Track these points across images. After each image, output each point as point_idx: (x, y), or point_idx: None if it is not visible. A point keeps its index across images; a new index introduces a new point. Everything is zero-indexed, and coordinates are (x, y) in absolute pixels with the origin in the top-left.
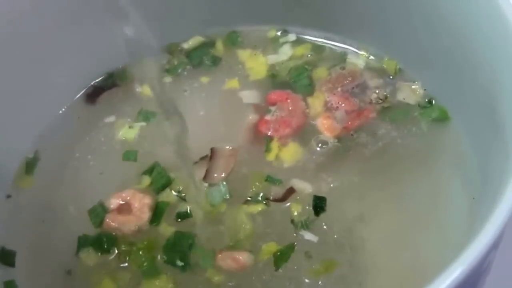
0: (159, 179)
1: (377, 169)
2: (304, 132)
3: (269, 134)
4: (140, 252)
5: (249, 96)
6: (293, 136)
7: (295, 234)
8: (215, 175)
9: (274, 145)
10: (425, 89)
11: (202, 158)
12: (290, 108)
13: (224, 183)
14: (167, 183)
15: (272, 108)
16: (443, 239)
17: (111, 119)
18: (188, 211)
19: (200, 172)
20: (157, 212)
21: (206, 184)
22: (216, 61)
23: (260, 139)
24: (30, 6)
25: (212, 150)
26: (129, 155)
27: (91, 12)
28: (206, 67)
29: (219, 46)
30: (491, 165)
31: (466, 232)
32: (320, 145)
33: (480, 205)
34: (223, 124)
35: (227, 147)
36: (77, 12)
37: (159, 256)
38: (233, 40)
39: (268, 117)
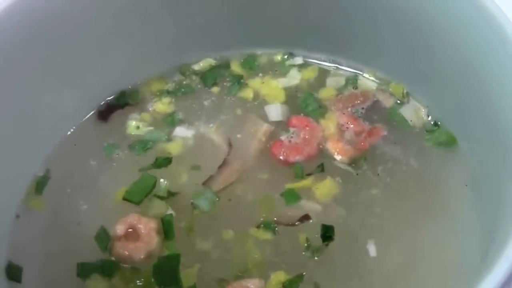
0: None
1: (387, 198)
2: (317, 158)
3: (280, 158)
4: (139, 284)
5: (274, 113)
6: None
7: (303, 263)
8: (217, 182)
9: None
10: (429, 116)
11: None
12: (306, 137)
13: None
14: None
15: (291, 130)
16: (453, 271)
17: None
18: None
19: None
20: (166, 229)
21: None
22: (238, 79)
23: (271, 161)
24: (42, 26)
25: (224, 160)
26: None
27: (105, 32)
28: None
29: (235, 68)
30: (501, 188)
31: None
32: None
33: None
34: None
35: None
36: (90, 32)
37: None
38: (250, 64)
39: (283, 138)
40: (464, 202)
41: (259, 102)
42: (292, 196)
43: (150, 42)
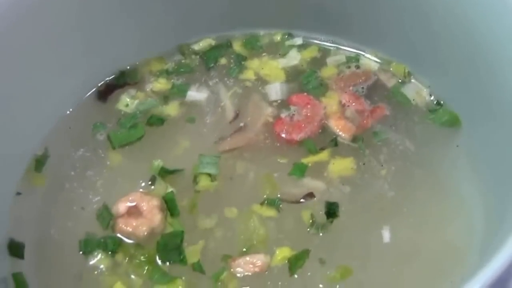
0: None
1: (391, 177)
2: (320, 135)
3: (282, 135)
4: (142, 260)
5: (273, 92)
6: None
7: (308, 240)
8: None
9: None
10: (431, 96)
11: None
12: (308, 114)
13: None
14: None
15: (292, 108)
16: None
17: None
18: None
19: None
20: (170, 206)
21: None
22: (240, 59)
23: (273, 140)
24: (41, 6)
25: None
26: None
27: (105, 11)
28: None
29: (238, 48)
30: (505, 167)
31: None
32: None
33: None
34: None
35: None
36: (91, 11)
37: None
38: (252, 44)
39: (283, 116)
40: (467, 181)
41: (260, 82)
42: (300, 169)
43: (150, 22)
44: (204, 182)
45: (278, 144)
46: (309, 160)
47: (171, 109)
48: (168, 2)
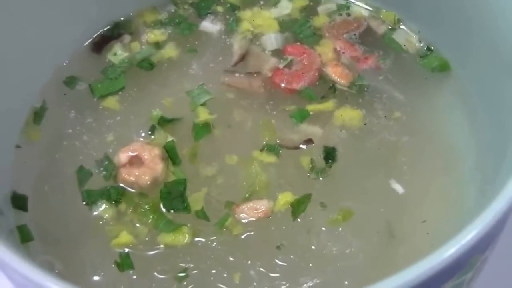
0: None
1: (386, 124)
2: (319, 83)
3: (282, 86)
4: (146, 209)
5: (269, 42)
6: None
7: (308, 185)
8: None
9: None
10: (421, 42)
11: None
12: (305, 63)
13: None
14: None
15: (287, 57)
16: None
17: None
18: None
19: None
20: (172, 155)
21: None
22: (233, 9)
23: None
24: None
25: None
26: None
27: None
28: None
29: None
30: (497, 108)
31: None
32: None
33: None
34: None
35: None
36: None
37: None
38: None
39: (281, 66)
40: (460, 126)
41: (254, 33)
42: (301, 115)
43: None
44: (203, 115)
45: (276, 93)
46: (313, 108)
47: (169, 52)
48: None
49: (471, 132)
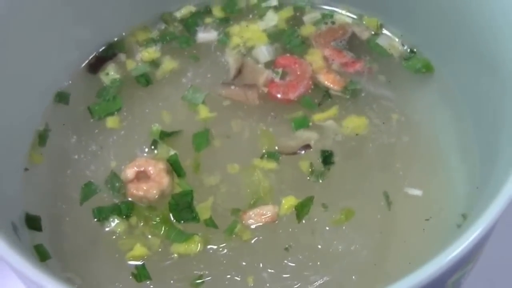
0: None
1: (378, 125)
2: (313, 91)
3: (278, 96)
4: (157, 221)
5: (261, 54)
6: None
7: (309, 188)
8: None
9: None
10: (404, 45)
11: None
12: (298, 73)
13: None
14: None
15: (279, 71)
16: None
17: None
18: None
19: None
20: (176, 167)
21: None
22: (223, 23)
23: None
24: None
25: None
26: None
27: None
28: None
29: (217, 12)
30: (481, 107)
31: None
32: None
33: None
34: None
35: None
36: None
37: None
38: (231, 8)
39: (276, 79)
40: (446, 125)
41: (246, 46)
42: (301, 123)
43: None
44: (203, 112)
45: (272, 104)
46: (319, 117)
47: (167, 66)
48: None
49: (456, 130)
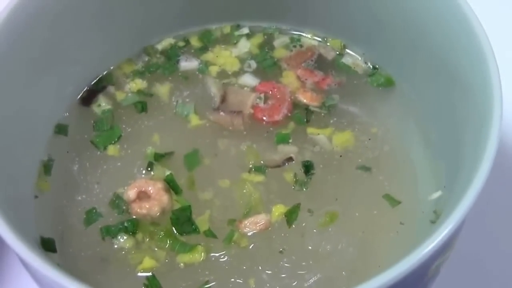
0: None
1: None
2: (295, 111)
3: (264, 118)
4: (162, 235)
5: (248, 80)
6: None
7: (295, 196)
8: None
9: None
10: (367, 63)
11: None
12: (278, 96)
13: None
14: None
15: (261, 96)
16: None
17: None
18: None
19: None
20: (173, 186)
21: None
22: (201, 51)
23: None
24: (32, 27)
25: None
26: None
27: (82, 26)
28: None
29: (195, 43)
30: (445, 114)
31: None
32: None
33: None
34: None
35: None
36: (70, 28)
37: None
38: (208, 38)
39: (261, 105)
40: (411, 137)
41: (225, 72)
42: (283, 138)
43: (117, 29)
44: (194, 120)
45: (256, 125)
46: (312, 131)
47: (160, 90)
48: (130, 9)
49: (421, 139)
